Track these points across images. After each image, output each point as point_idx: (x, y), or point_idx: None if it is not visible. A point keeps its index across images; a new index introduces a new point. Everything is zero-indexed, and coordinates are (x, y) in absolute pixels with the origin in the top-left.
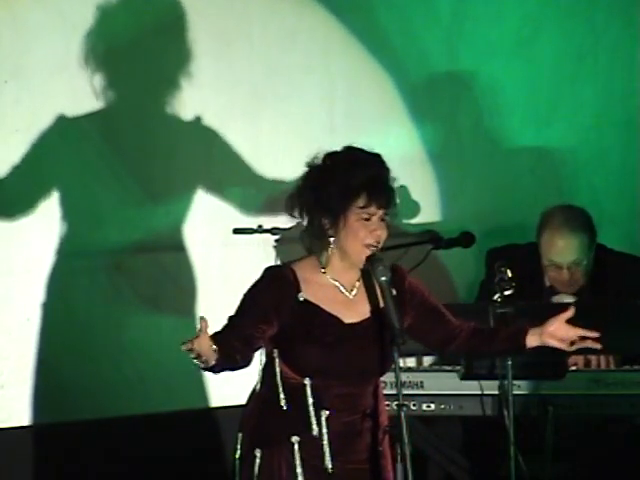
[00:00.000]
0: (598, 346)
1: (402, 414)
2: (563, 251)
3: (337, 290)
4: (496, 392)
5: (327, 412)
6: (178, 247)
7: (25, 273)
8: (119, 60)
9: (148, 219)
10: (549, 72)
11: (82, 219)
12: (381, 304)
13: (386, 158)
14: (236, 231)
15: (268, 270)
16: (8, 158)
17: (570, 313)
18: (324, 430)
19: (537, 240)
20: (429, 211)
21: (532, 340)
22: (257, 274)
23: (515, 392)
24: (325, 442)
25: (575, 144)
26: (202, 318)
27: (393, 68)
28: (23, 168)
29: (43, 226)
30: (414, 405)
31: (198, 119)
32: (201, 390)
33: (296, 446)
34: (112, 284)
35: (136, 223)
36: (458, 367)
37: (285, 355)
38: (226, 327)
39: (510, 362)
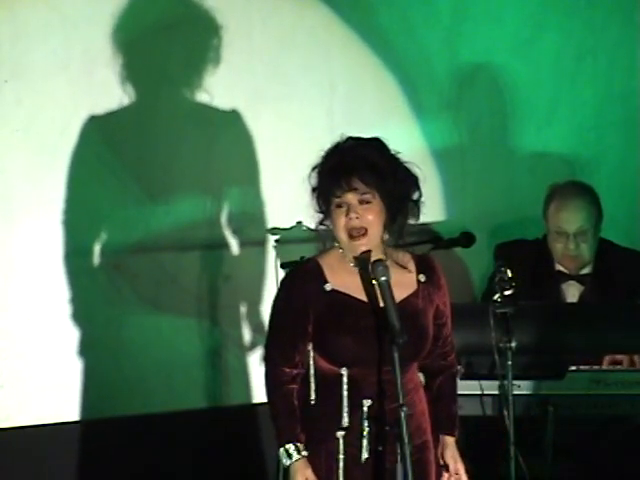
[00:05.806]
0: None
1: (402, 414)
2: (571, 218)
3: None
4: (496, 392)
5: (369, 401)
6: (178, 247)
7: (25, 273)
8: (119, 60)
9: (148, 219)
10: (549, 72)
11: (82, 219)
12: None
13: None
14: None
15: (291, 270)
16: (8, 158)
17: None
18: (364, 420)
19: (544, 214)
20: (429, 210)
21: (441, 439)
22: (256, 273)
23: (515, 392)
24: (365, 432)
25: (575, 144)
26: None
27: (393, 67)
28: (23, 168)
29: (43, 226)
30: None
31: (198, 119)
32: (201, 390)
33: (341, 441)
34: (112, 284)
35: (136, 223)
36: (458, 367)
37: (320, 347)
38: (277, 344)
39: (510, 362)
